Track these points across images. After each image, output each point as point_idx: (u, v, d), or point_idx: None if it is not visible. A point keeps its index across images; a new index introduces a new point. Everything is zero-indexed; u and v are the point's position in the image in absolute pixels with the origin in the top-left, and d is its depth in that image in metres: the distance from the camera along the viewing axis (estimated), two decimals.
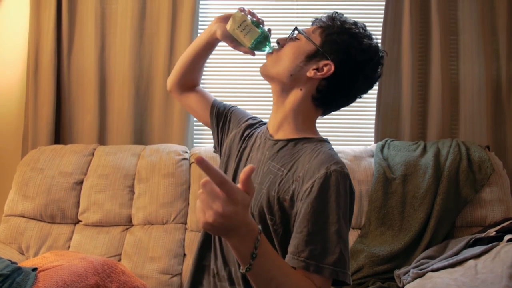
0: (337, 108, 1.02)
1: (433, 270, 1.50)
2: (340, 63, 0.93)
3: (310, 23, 1.01)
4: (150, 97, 2.14)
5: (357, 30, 0.95)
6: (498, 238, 1.56)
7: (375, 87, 2.11)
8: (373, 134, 2.13)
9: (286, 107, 0.98)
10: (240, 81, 2.20)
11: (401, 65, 2.09)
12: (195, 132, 2.18)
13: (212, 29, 1.08)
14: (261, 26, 1.00)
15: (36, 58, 2.08)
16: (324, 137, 1.00)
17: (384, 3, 2.08)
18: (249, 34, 0.98)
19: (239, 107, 1.21)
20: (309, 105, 0.98)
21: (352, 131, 2.21)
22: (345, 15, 0.98)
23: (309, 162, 0.89)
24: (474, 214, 1.82)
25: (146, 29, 2.12)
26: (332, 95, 0.97)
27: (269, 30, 1.01)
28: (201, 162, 0.63)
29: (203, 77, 1.28)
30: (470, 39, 2.08)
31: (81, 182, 1.88)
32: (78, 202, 1.86)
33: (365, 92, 1.01)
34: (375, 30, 2.13)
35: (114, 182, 1.86)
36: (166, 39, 2.09)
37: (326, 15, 0.98)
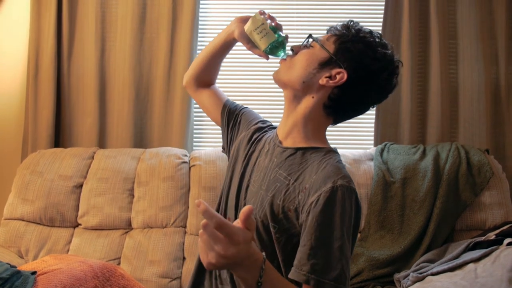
0: (348, 117, 1.01)
1: (432, 274, 1.50)
2: (354, 71, 0.92)
3: (325, 32, 1.01)
4: (150, 100, 2.14)
5: (371, 39, 0.94)
6: (497, 241, 1.56)
7: None
8: (372, 138, 2.14)
9: (297, 114, 0.98)
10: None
11: (400, 69, 2.09)
12: (194, 135, 2.18)
13: (231, 29, 1.08)
14: (278, 31, 1.00)
15: (36, 61, 2.08)
16: (333, 147, 0.99)
17: (383, 7, 2.09)
18: (265, 37, 0.97)
19: (250, 108, 1.20)
20: (320, 113, 0.97)
21: (351, 134, 2.21)
22: (360, 24, 0.97)
23: (316, 173, 0.89)
24: (473, 217, 1.82)
25: (146, 33, 2.12)
26: (344, 104, 0.96)
27: (287, 36, 1.01)
28: (200, 206, 0.65)
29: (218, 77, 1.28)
30: (469, 43, 2.09)
31: (81, 186, 1.88)
32: (78, 206, 1.86)
33: (379, 102, 1.00)
34: None
35: (114, 186, 1.86)
36: (166, 43, 2.10)
37: (341, 23, 0.97)
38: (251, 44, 1.02)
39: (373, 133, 2.13)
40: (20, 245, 1.79)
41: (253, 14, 1.00)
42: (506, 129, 2.11)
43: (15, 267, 1.33)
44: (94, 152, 1.98)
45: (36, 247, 1.78)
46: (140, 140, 2.14)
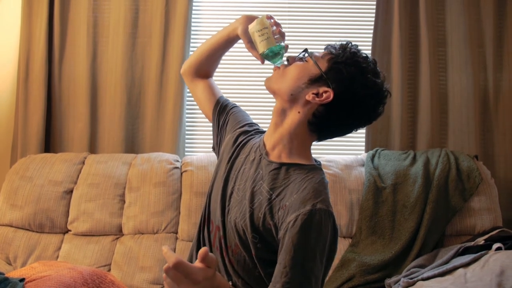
0: (331, 136, 1.02)
1: (423, 279, 1.51)
2: (340, 93, 0.92)
3: (323, 48, 1.01)
4: (142, 105, 2.14)
5: (364, 65, 0.93)
6: (487, 246, 1.58)
7: None
8: (363, 144, 2.15)
9: (283, 129, 0.98)
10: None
11: (391, 76, 2.12)
12: (186, 140, 2.18)
13: (236, 25, 1.08)
14: (281, 41, 1.00)
15: (27, 65, 2.07)
16: (317, 162, 1.00)
17: (374, 15, 2.12)
18: (265, 41, 0.97)
19: (240, 108, 1.20)
20: (305, 130, 0.97)
21: (343, 140, 2.22)
22: (359, 47, 0.97)
23: (297, 193, 0.90)
24: (463, 223, 1.84)
25: (138, 37, 2.12)
26: (327, 123, 0.96)
27: (286, 46, 1.01)
28: (163, 250, 0.74)
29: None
30: (458, 51, 2.13)
31: (71, 191, 1.86)
32: (68, 211, 1.84)
33: (362, 126, 1.01)
34: (365, 41, 2.17)
35: (105, 191, 1.85)
36: (158, 47, 2.10)
37: (340, 42, 0.98)
38: (250, 44, 1.02)
39: (364, 139, 2.15)
40: (8, 251, 1.76)
41: (260, 16, 1.00)
42: (494, 135, 2.14)
43: (3, 274, 1.32)
44: (85, 157, 1.96)
45: (24, 253, 1.76)
46: (132, 145, 2.13)
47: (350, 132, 1.01)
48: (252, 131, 1.12)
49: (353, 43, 0.97)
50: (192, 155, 2.12)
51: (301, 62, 0.98)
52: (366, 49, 2.16)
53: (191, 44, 2.15)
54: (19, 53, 2.08)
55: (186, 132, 2.17)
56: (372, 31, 2.12)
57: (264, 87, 1.03)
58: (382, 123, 2.14)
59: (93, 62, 2.11)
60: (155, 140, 2.12)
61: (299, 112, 0.96)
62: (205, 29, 2.22)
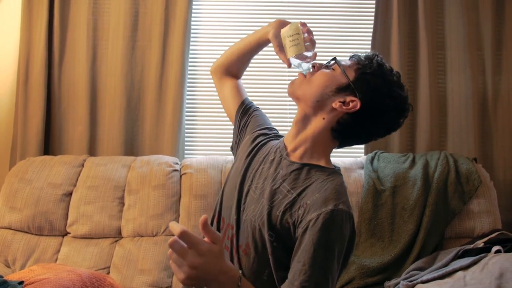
0: (352, 143, 1.04)
1: (422, 282, 1.51)
2: (367, 103, 0.94)
3: (348, 57, 1.03)
4: (142, 108, 2.14)
5: (391, 77, 0.96)
6: (486, 249, 1.58)
7: None
8: (363, 146, 2.16)
9: (306, 133, 1.00)
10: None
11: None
12: (186, 143, 2.18)
13: (268, 29, 1.09)
14: (310, 48, 1.01)
15: (27, 68, 2.07)
16: (337, 167, 1.01)
17: (373, 19, 2.13)
18: (295, 46, 0.99)
19: (262, 112, 1.21)
20: (328, 136, 0.99)
21: None
22: (383, 60, 0.99)
23: (319, 192, 0.91)
24: (462, 225, 1.84)
25: (138, 40, 2.13)
26: (350, 131, 0.98)
27: (315, 54, 1.02)
28: (169, 225, 0.76)
29: None
30: (457, 54, 2.14)
31: (70, 194, 1.86)
32: (67, 214, 1.84)
33: (382, 136, 1.03)
34: (364, 44, 2.18)
35: (104, 194, 1.85)
36: (158, 51, 2.10)
37: (365, 53, 1.00)
38: (280, 48, 1.03)
39: None
40: (7, 254, 1.76)
41: (294, 22, 1.02)
42: (493, 138, 2.15)
43: (2, 276, 1.31)
44: (84, 160, 1.96)
45: (23, 256, 1.75)
46: (131, 148, 2.14)
47: (370, 141, 1.04)
48: (271, 134, 1.14)
49: (379, 55, 0.99)
50: (191, 157, 2.12)
51: (327, 70, 0.99)
52: (365, 51, 2.16)
53: (191, 47, 2.15)
54: (19, 56, 2.09)
55: (186, 134, 2.17)
56: (371, 34, 2.13)
57: (286, 94, 1.04)
58: None
59: (93, 65, 2.11)
60: (155, 142, 2.12)
61: (323, 119, 0.98)
62: (204, 32, 2.23)
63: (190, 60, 2.15)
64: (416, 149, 2.13)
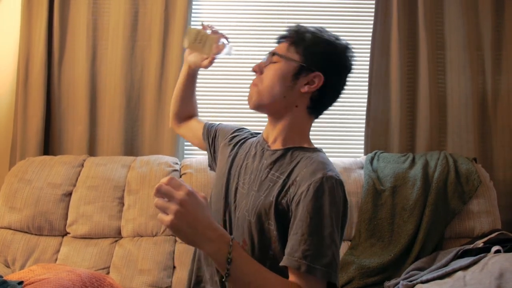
0: (326, 109, 1.06)
1: (422, 282, 1.51)
2: (327, 70, 0.97)
3: (277, 43, 1.04)
4: (141, 108, 2.14)
5: (326, 36, 0.99)
6: (486, 249, 1.58)
7: (365, 100, 2.15)
8: (363, 146, 2.16)
9: (284, 124, 1.01)
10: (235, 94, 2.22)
11: (389, 79, 2.12)
12: (186, 143, 2.18)
13: (186, 60, 1.19)
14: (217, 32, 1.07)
15: (27, 68, 2.07)
16: (319, 147, 1.03)
17: (372, 19, 2.13)
18: (205, 44, 1.05)
19: (226, 123, 1.26)
20: (305, 116, 1.01)
21: (342, 143, 2.23)
22: (306, 24, 1.02)
23: (306, 167, 0.92)
24: (462, 225, 1.84)
25: (138, 40, 2.13)
26: (325, 100, 1.01)
27: (222, 35, 1.09)
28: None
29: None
30: (456, 54, 2.14)
31: (70, 194, 1.86)
32: (67, 214, 1.83)
33: (346, 85, 1.05)
34: (364, 45, 2.18)
35: (104, 194, 1.85)
36: (158, 50, 2.10)
37: (288, 30, 1.01)
38: (200, 57, 1.12)
39: (363, 142, 2.15)
40: (7, 254, 1.76)
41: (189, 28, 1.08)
42: (493, 138, 2.15)
43: (1, 277, 1.31)
44: (84, 160, 1.96)
45: (23, 256, 1.75)
46: (131, 148, 2.13)
47: (340, 96, 1.06)
48: (244, 134, 1.16)
49: (298, 24, 1.02)
50: (191, 157, 2.12)
51: (273, 65, 0.99)
52: (365, 52, 2.17)
53: None
54: (18, 56, 2.09)
55: None
56: (371, 34, 2.13)
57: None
58: (381, 126, 2.14)
59: (93, 65, 2.11)
60: (155, 142, 2.12)
61: (297, 106, 0.99)
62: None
63: None
64: (416, 149, 2.13)
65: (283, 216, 0.91)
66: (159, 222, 0.75)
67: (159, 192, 0.75)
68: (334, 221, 0.85)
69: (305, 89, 0.97)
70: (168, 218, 0.74)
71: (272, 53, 0.99)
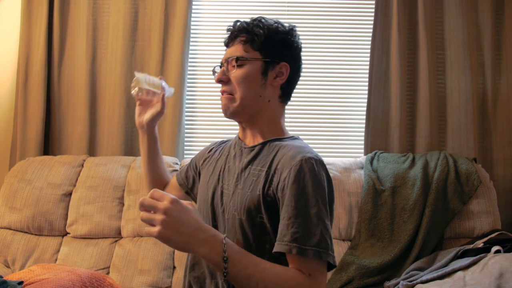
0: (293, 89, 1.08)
1: (422, 282, 1.51)
2: (289, 57, 1.00)
3: (226, 47, 1.05)
4: None
5: (274, 24, 1.01)
6: (486, 249, 1.58)
7: (365, 100, 2.15)
8: (362, 146, 2.16)
9: (259, 121, 1.02)
10: None
11: (389, 79, 2.12)
12: (185, 143, 2.18)
13: (140, 126, 1.22)
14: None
15: (26, 68, 2.07)
16: (295, 135, 1.05)
17: (372, 19, 2.13)
18: (155, 82, 1.15)
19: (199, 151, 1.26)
20: (278, 107, 1.03)
21: (342, 143, 2.23)
22: (243, 20, 1.03)
23: (284, 154, 0.93)
24: (462, 225, 1.84)
25: (137, 40, 2.13)
26: (293, 85, 1.05)
27: (161, 78, 1.17)
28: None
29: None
30: (456, 54, 2.14)
31: (70, 194, 1.86)
32: (67, 214, 1.84)
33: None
34: (364, 45, 2.18)
35: (104, 194, 1.85)
36: (157, 50, 2.10)
37: (233, 31, 1.02)
38: (143, 107, 1.20)
39: (363, 142, 2.15)
40: (6, 254, 1.76)
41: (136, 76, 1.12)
42: (493, 138, 2.15)
43: (1, 277, 1.31)
44: (84, 160, 1.96)
45: (23, 256, 1.75)
46: (131, 148, 2.13)
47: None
48: (218, 144, 1.17)
49: (241, 20, 1.04)
50: (191, 157, 2.12)
51: (238, 70, 0.99)
52: (365, 52, 2.17)
53: (191, 47, 2.15)
54: (18, 56, 2.09)
55: (185, 134, 2.17)
56: (371, 34, 2.13)
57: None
58: (381, 126, 2.14)
59: (93, 65, 2.11)
60: None
61: (269, 101, 1.01)
62: (204, 32, 2.23)
63: (189, 60, 2.15)
64: (416, 149, 2.13)
65: (272, 206, 0.91)
66: (147, 235, 0.75)
67: (143, 206, 0.75)
68: (320, 200, 0.86)
69: (277, 82, 1.00)
70: (155, 229, 0.74)
71: (236, 58, 0.98)
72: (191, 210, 0.78)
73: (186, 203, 0.79)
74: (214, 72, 1.07)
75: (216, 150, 1.15)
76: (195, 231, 0.77)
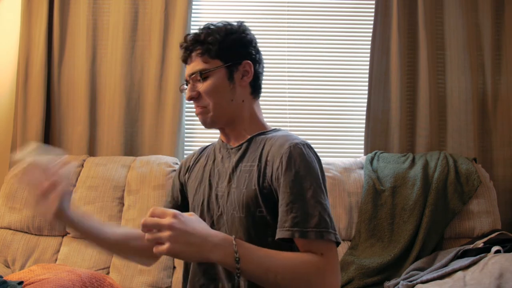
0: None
1: (422, 282, 1.51)
2: (248, 54, 1.02)
3: (187, 61, 1.04)
4: (141, 108, 2.14)
5: (224, 27, 1.01)
6: (486, 249, 1.58)
7: (365, 100, 2.15)
8: (362, 146, 2.16)
9: (239, 122, 1.03)
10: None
11: (389, 79, 2.12)
12: (185, 143, 2.18)
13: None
14: None
15: (26, 68, 2.07)
16: (276, 127, 1.06)
17: (372, 19, 2.13)
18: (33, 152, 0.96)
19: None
20: (252, 103, 1.04)
21: (342, 143, 2.23)
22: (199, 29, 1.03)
23: (272, 145, 0.95)
24: (462, 225, 1.84)
25: (137, 40, 2.13)
26: (261, 77, 1.06)
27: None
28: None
29: None
30: (456, 54, 2.14)
31: None
32: None
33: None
34: (364, 45, 2.18)
35: (104, 194, 1.85)
36: (158, 50, 2.10)
37: (186, 46, 1.02)
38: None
39: (363, 142, 2.15)
40: (6, 254, 1.76)
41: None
42: (493, 138, 2.15)
43: (1, 277, 1.31)
44: (84, 160, 1.96)
45: (23, 256, 1.75)
46: (131, 148, 2.13)
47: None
48: (195, 154, 1.15)
49: (193, 32, 1.03)
50: None
51: (204, 83, 0.99)
52: (365, 52, 2.17)
53: None
54: (18, 56, 2.09)
55: (185, 134, 2.17)
56: (371, 34, 2.13)
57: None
58: (381, 126, 2.14)
59: (93, 65, 2.11)
60: (154, 142, 2.12)
61: (243, 101, 1.02)
62: None
63: None
64: (416, 149, 2.13)
65: (270, 198, 0.92)
66: (158, 254, 0.75)
67: (146, 227, 0.75)
68: (314, 182, 0.88)
69: (244, 81, 1.01)
70: (164, 247, 0.74)
71: (199, 73, 0.99)
72: (194, 220, 0.79)
73: (187, 214, 0.79)
74: (181, 90, 1.07)
75: (200, 158, 1.13)
76: (203, 239, 0.77)
